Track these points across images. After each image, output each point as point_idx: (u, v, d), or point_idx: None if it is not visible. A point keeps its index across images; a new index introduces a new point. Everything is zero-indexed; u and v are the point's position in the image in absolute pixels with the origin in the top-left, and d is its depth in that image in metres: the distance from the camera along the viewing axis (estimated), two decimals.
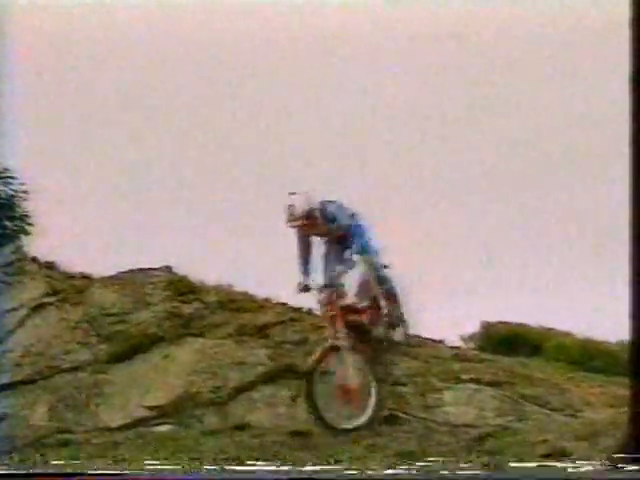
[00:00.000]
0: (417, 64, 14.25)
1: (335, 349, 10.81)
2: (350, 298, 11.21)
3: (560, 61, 14.19)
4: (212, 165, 14.32)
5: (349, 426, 10.65)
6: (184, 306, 11.72)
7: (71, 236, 13.04)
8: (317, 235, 11.38)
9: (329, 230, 11.29)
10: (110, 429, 11.00)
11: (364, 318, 11.23)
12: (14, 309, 11.80)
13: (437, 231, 13.83)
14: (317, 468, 8.90)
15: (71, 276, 12.21)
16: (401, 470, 8.58)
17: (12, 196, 12.93)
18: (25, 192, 12.94)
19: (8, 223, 12.85)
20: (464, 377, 11.02)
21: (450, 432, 10.47)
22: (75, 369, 10.65)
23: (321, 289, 11.08)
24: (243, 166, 14.33)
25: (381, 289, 11.46)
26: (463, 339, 14.68)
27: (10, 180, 12.93)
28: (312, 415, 10.55)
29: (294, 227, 11.12)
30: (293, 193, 11.03)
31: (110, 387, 11.30)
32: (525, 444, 9.45)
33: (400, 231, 11.88)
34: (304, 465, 9.06)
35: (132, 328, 11.59)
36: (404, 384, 11.08)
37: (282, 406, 10.98)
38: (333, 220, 11.21)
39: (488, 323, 15.11)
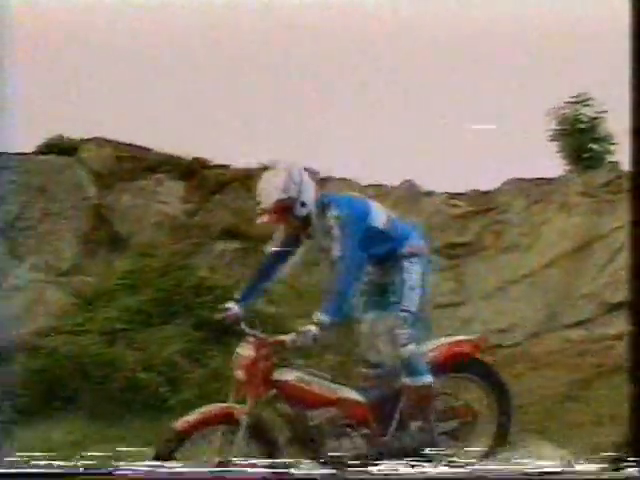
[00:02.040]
0: None
1: (226, 419, 6.14)
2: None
3: None
4: None
5: None
6: None
7: None
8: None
9: (320, 242, 6.33)
10: None
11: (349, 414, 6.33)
12: (619, 227, 12.00)
13: None
14: None
15: None
16: None
17: (594, 118, 13.29)
18: (604, 113, 13.21)
19: (593, 145, 13.26)
20: None
21: None
22: None
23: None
24: None
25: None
26: None
27: (590, 102, 13.25)
28: None
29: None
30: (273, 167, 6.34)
31: None
32: None
33: None
34: None
35: None
36: None
37: None
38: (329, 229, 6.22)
39: None
